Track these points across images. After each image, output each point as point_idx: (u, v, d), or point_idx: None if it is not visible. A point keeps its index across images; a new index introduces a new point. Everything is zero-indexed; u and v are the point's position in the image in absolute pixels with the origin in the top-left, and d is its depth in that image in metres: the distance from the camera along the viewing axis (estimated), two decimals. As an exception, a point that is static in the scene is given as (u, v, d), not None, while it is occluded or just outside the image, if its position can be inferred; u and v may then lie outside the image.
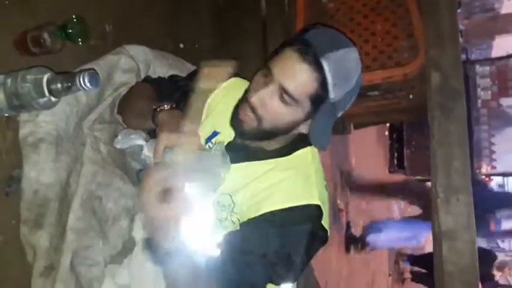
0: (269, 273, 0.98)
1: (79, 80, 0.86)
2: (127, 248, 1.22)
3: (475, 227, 1.17)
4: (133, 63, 1.35)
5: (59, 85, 0.89)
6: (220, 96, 1.21)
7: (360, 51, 1.87)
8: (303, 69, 0.96)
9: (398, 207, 5.84)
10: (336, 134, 2.59)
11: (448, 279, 1.17)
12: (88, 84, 0.85)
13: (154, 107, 1.07)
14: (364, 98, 1.71)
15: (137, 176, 1.31)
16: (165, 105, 1.08)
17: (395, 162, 5.40)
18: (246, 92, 1.05)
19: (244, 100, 1.03)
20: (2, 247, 1.02)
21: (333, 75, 0.97)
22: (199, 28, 1.86)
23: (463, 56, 5.74)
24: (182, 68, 1.50)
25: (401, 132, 5.25)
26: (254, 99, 0.99)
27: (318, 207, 1.03)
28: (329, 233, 1.06)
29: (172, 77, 1.37)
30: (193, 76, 1.34)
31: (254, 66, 2.02)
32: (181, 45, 1.76)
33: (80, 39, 1.15)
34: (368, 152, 5.00)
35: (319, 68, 0.96)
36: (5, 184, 0.99)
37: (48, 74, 0.90)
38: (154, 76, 1.41)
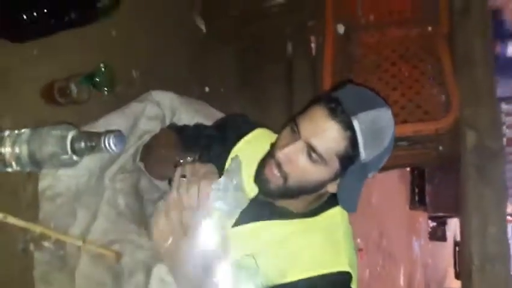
0: None
1: (104, 142, 0.83)
2: (143, 304, 1.18)
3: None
4: (158, 110, 1.33)
5: (82, 144, 0.86)
6: (247, 146, 1.17)
7: (388, 99, 1.84)
8: (332, 127, 0.93)
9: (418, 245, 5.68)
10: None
11: None
12: (112, 147, 0.83)
13: (178, 159, 1.04)
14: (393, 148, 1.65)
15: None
16: (188, 158, 1.05)
17: (416, 198, 5.27)
18: (272, 146, 1.02)
19: (270, 155, 0.99)
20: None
21: (364, 135, 0.92)
22: (225, 72, 1.86)
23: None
24: (209, 114, 1.47)
25: (423, 168, 5.13)
26: (281, 155, 0.95)
27: (347, 273, 0.98)
28: None
29: (197, 125, 1.34)
30: (218, 125, 1.32)
31: (278, 110, 2.01)
32: (207, 89, 1.75)
33: (106, 89, 1.14)
34: (389, 188, 4.89)
35: (349, 127, 0.92)
36: (23, 240, 0.96)
37: (73, 132, 0.88)
38: (180, 123, 1.39)
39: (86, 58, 1.20)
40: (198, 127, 1.32)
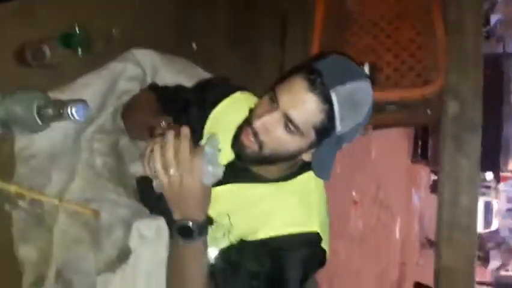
0: None
1: (67, 110, 0.84)
2: (122, 256, 1.24)
3: (474, 269, 1.13)
4: (138, 70, 1.34)
5: (49, 111, 0.88)
6: (226, 109, 1.18)
7: (381, 60, 1.81)
8: (310, 99, 0.93)
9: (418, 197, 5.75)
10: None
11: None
12: (75, 116, 0.84)
13: (151, 123, 1.05)
14: (381, 111, 1.65)
15: (137, 183, 1.32)
16: (162, 122, 1.06)
17: (419, 151, 5.27)
18: (250, 113, 1.02)
19: (247, 123, 1.00)
20: None
21: (342, 108, 0.93)
22: (215, 28, 1.82)
23: (500, 49, 5.46)
24: (193, 75, 1.47)
25: (426, 124, 5.08)
26: (258, 124, 0.96)
27: (316, 234, 1.03)
28: (327, 255, 1.06)
29: (177, 87, 1.34)
30: (199, 88, 1.32)
31: (269, 69, 1.98)
32: (194, 46, 1.72)
33: (80, 49, 1.13)
34: (390, 142, 4.90)
35: (327, 100, 0.93)
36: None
37: (41, 99, 0.89)
38: (161, 82, 1.39)
39: (63, 18, 1.18)
40: (178, 89, 1.32)
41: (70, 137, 1.13)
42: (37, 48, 1.05)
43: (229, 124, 1.06)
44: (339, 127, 0.95)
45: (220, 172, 0.91)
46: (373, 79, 1.62)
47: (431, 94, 1.36)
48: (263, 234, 1.02)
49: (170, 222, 1.17)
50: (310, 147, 1.00)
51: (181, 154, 0.87)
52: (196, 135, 1.18)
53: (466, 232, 1.14)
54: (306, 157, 1.03)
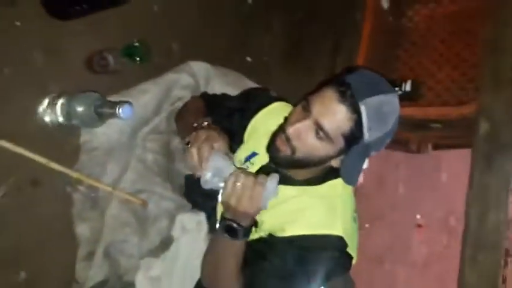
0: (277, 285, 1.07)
1: (116, 110, 1.01)
2: (165, 244, 1.39)
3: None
4: (191, 80, 1.49)
5: (103, 110, 1.05)
6: (265, 118, 1.30)
7: (433, 78, 1.80)
8: (340, 109, 1.01)
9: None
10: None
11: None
12: (122, 114, 1.00)
13: (195, 124, 1.19)
14: (426, 129, 1.65)
15: (186, 180, 1.46)
16: (204, 122, 1.19)
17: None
18: (285, 120, 1.12)
19: (281, 129, 1.10)
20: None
21: (369, 119, 1.01)
22: (269, 44, 1.94)
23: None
24: (241, 86, 1.60)
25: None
26: (291, 130, 1.06)
27: (339, 238, 1.09)
28: (354, 261, 1.13)
29: (224, 96, 1.48)
30: (243, 97, 1.45)
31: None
32: (248, 59, 1.86)
33: (138, 59, 1.31)
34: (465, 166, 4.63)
35: (356, 111, 1.00)
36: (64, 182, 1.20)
37: (98, 100, 1.07)
38: (212, 91, 1.54)
39: (127, 32, 1.37)
40: (224, 97, 1.46)
41: (125, 134, 1.30)
42: (103, 57, 1.24)
43: (266, 131, 1.17)
44: (366, 135, 1.02)
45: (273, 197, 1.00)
46: (415, 96, 1.65)
47: (471, 114, 1.35)
48: (289, 232, 1.10)
49: (211, 219, 1.29)
50: (339, 154, 1.07)
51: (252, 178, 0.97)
52: (237, 139, 1.32)
53: (491, 252, 1.12)
54: (335, 163, 1.10)
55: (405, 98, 1.56)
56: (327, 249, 1.09)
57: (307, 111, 1.05)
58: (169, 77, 1.44)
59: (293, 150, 1.06)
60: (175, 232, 1.33)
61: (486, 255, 1.12)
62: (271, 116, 1.26)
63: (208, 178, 0.97)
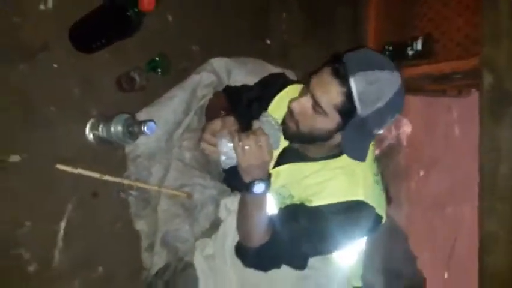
0: (306, 242, 1.21)
1: (143, 128, 1.19)
2: (214, 226, 1.58)
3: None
4: (212, 77, 1.62)
5: (134, 128, 1.24)
6: (280, 102, 1.41)
7: (452, 26, 1.75)
8: (331, 83, 1.10)
9: None
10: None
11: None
12: (146, 131, 1.18)
13: (216, 115, 1.33)
14: (449, 80, 1.64)
15: (223, 169, 1.63)
16: (222, 112, 1.33)
17: None
18: None
19: (288, 107, 1.22)
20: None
21: (360, 92, 1.08)
22: (288, 21, 1.99)
23: None
24: (261, 72, 1.71)
25: None
26: (293, 105, 1.17)
27: (362, 202, 1.20)
28: (383, 219, 1.24)
29: (243, 87, 1.61)
30: (260, 85, 1.56)
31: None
32: (268, 42, 1.95)
33: (160, 71, 1.47)
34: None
35: (346, 84, 1.08)
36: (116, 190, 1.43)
37: (128, 120, 1.26)
38: (235, 83, 1.67)
39: (149, 48, 1.52)
40: (243, 89, 1.58)
41: (162, 140, 1.49)
42: (129, 77, 1.41)
43: (281, 116, 1.29)
44: (359, 109, 1.09)
45: (279, 135, 1.14)
46: (427, 53, 1.64)
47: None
48: (316, 202, 1.22)
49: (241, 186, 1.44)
50: (338, 128, 1.15)
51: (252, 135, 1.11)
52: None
53: (506, 201, 1.16)
54: (338, 138, 1.19)
55: (417, 57, 1.57)
56: (347, 212, 1.20)
57: (307, 87, 1.15)
58: (192, 79, 1.58)
59: (297, 125, 1.17)
60: (221, 214, 1.51)
61: (503, 204, 1.16)
62: (286, 100, 1.38)
63: (223, 160, 1.11)
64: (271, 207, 1.28)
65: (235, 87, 1.63)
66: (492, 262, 1.20)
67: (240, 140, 1.09)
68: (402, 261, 2.14)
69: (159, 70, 1.47)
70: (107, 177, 1.38)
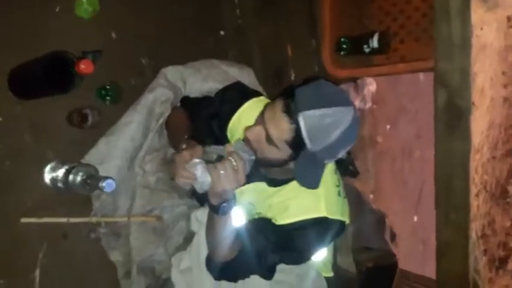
0: (273, 255, 1.27)
1: (100, 184, 1.18)
2: (188, 239, 1.62)
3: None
4: (167, 92, 1.55)
5: (92, 182, 1.22)
6: (240, 118, 1.42)
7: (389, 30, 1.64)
8: (282, 119, 1.11)
9: None
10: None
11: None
12: (105, 188, 1.17)
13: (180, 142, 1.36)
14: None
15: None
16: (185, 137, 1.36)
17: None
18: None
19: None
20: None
21: (308, 129, 1.09)
22: (242, 4, 1.90)
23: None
24: (217, 76, 1.66)
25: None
26: (247, 133, 1.18)
27: (325, 218, 1.26)
28: (346, 224, 1.31)
29: (202, 102, 1.57)
30: (218, 100, 1.52)
31: (300, 28, 1.98)
32: (222, 33, 1.86)
33: (108, 99, 1.44)
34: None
35: (295, 121, 1.09)
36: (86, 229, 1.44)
37: (88, 172, 1.24)
38: (191, 91, 1.63)
39: (100, 73, 1.42)
40: (202, 105, 1.55)
41: (123, 168, 1.48)
42: (80, 113, 1.37)
43: (240, 134, 1.28)
44: (309, 145, 1.11)
45: (252, 158, 1.15)
46: (383, 49, 1.61)
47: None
48: (281, 221, 1.28)
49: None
50: (290, 158, 1.18)
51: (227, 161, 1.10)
52: (223, 141, 1.45)
53: (460, 211, 1.22)
54: (292, 166, 1.21)
55: (375, 53, 1.53)
56: (313, 227, 1.26)
57: (262, 117, 1.16)
58: (146, 98, 1.52)
59: (254, 151, 1.18)
60: (194, 227, 1.55)
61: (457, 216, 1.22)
62: (245, 117, 1.37)
63: (199, 187, 1.12)
64: (241, 219, 1.33)
65: (194, 100, 1.60)
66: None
67: (215, 167, 1.10)
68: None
69: (108, 98, 1.42)
70: (73, 220, 1.38)
